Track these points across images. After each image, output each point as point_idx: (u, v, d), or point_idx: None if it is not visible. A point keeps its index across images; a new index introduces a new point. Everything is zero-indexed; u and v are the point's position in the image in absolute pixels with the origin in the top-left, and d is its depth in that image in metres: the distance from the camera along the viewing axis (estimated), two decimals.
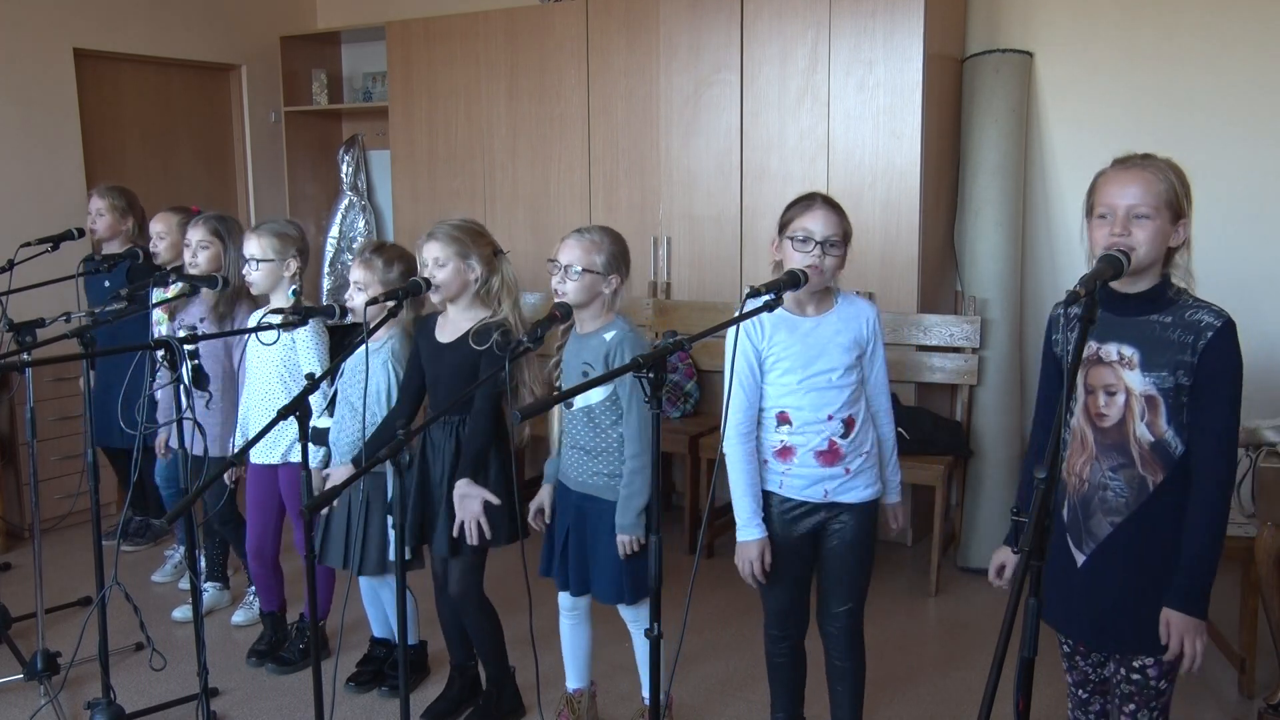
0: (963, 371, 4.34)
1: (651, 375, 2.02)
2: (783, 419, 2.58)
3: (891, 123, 4.31)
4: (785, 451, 2.59)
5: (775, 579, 2.63)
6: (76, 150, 5.36)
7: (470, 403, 2.93)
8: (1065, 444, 2.20)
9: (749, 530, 2.59)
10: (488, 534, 2.88)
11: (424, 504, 3.01)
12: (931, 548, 4.18)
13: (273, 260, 3.38)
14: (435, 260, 2.95)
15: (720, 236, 4.75)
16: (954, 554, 4.46)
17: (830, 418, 2.55)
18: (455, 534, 2.91)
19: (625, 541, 2.73)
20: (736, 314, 2.25)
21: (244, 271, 3.41)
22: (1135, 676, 2.15)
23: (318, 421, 3.27)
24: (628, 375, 2.12)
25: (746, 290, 2.32)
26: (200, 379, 3.49)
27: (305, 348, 3.38)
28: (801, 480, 2.59)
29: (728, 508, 4.79)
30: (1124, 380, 2.09)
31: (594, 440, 2.81)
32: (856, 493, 2.60)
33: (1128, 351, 2.08)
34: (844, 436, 2.56)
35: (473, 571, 3.02)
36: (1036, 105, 4.58)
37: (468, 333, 2.96)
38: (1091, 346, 2.12)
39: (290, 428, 3.32)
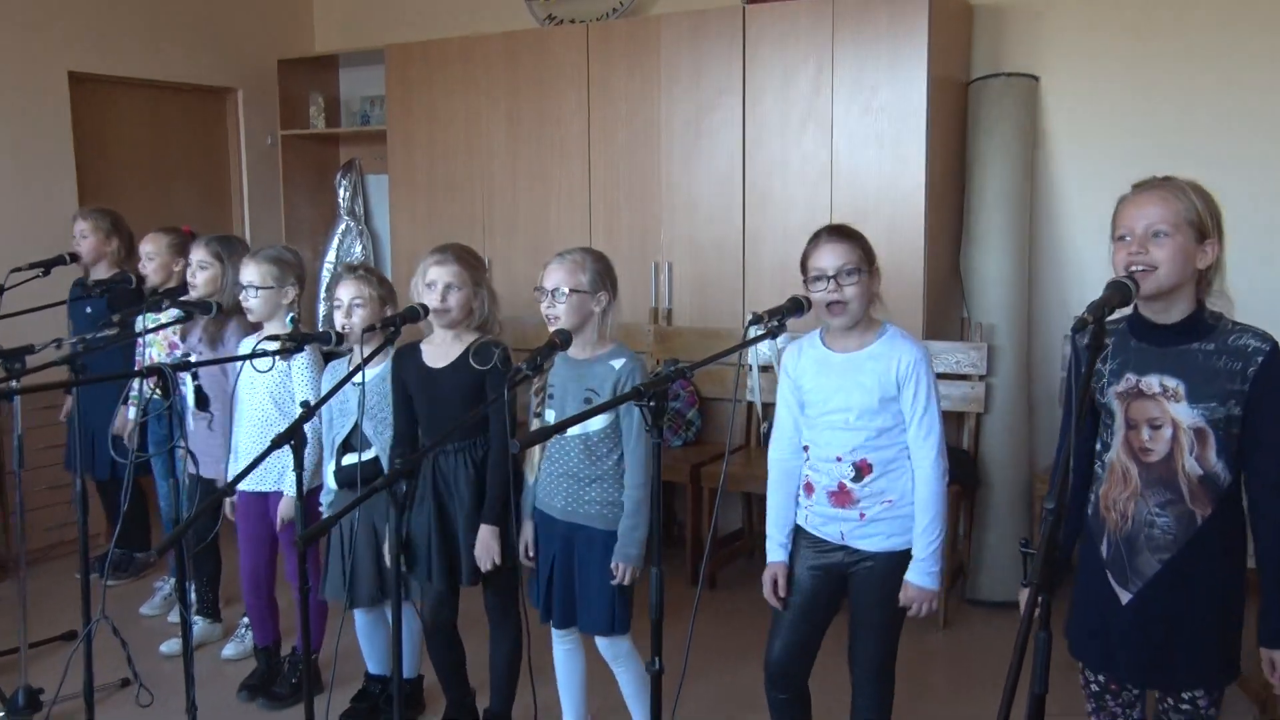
0: (970, 399, 4.33)
1: (653, 403, 2.01)
2: (806, 451, 2.60)
3: (896, 147, 4.32)
4: (808, 486, 2.60)
5: (787, 609, 2.61)
6: (70, 174, 5.36)
7: (477, 427, 2.93)
8: (1098, 478, 2.19)
9: (772, 552, 2.62)
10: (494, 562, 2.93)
11: (444, 536, 3.00)
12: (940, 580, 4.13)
13: (271, 288, 3.39)
14: (449, 285, 2.95)
15: (722, 262, 4.76)
16: (962, 586, 4.43)
17: (839, 459, 2.51)
18: (486, 567, 2.94)
19: (627, 571, 2.72)
20: (741, 340, 2.24)
21: (241, 298, 3.41)
22: (1185, 707, 2.15)
23: (349, 460, 3.18)
24: (630, 403, 2.11)
25: (749, 316, 2.32)
26: (202, 400, 3.49)
27: (300, 375, 3.37)
28: (819, 517, 2.58)
29: (731, 538, 4.87)
30: (1170, 413, 2.07)
31: (589, 468, 2.79)
32: (877, 541, 2.53)
33: (1171, 383, 2.06)
34: (856, 480, 2.51)
35: (511, 597, 3.02)
36: (1043, 129, 4.58)
37: (465, 354, 2.95)
38: (1130, 379, 2.11)
39: (286, 455, 3.28)
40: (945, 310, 4.56)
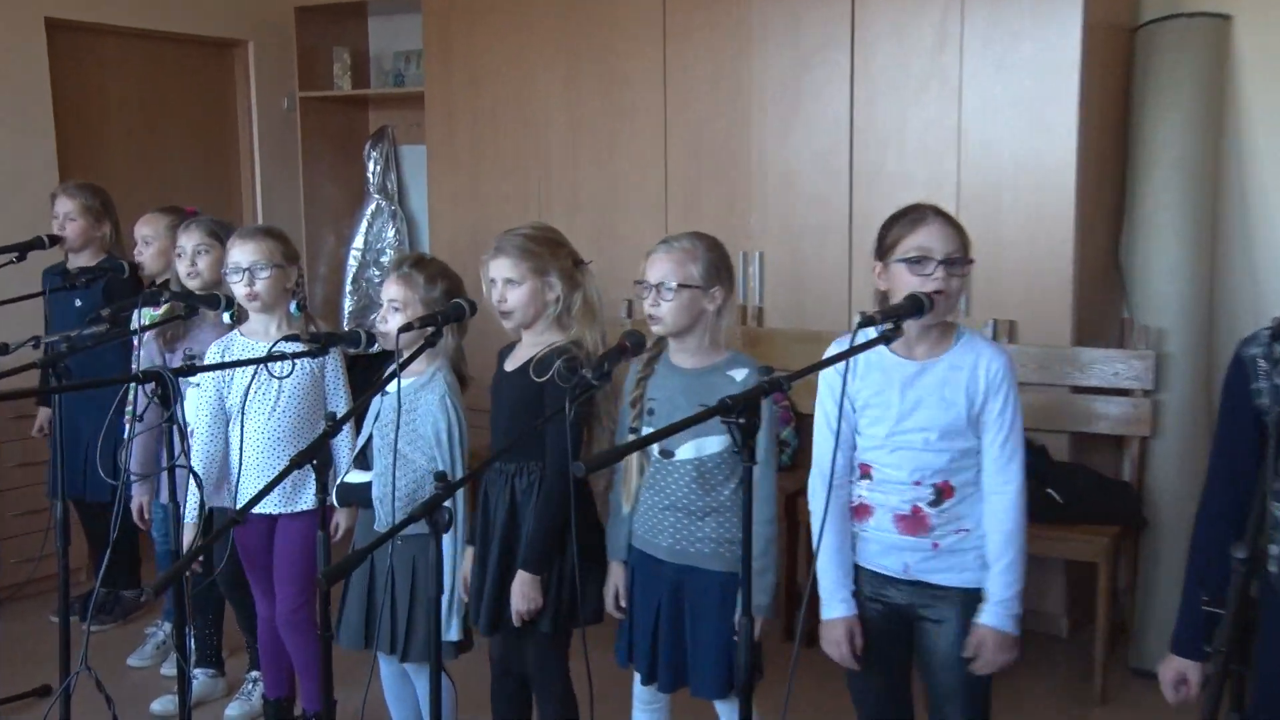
0: (1132, 419, 4.26)
1: (742, 420, 1.99)
2: (864, 471, 2.62)
3: (1040, 111, 4.26)
4: (862, 510, 2.62)
5: (865, 665, 2.63)
6: (49, 142, 5.42)
7: (533, 449, 2.94)
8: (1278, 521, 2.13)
9: (831, 606, 2.61)
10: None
11: (482, 571, 3.04)
12: (1095, 642, 4.08)
13: (280, 266, 3.43)
14: (507, 280, 2.99)
15: (824, 252, 4.74)
16: (1125, 651, 4.35)
17: (918, 482, 2.55)
18: (517, 622, 2.95)
19: (758, 625, 2.69)
20: (848, 345, 2.25)
21: (237, 285, 3.44)
22: None
23: (350, 476, 3.26)
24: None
25: (857, 318, 2.35)
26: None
27: (335, 379, 3.45)
28: (877, 546, 2.61)
29: None
30: None
31: (702, 499, 2.80)
32: (951, 575, 2.56)
33: None
34: (934, 504, 2.55)
35: (559, 655, 3.02)
36: (1235, 84, 4.48)
37: (530, 361, 2.98)
38: None
39: (299, 474, 3.35)
40: (1101, 310, 4.50)
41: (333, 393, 3.48)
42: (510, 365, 3.07)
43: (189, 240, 3.80)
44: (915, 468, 2.54)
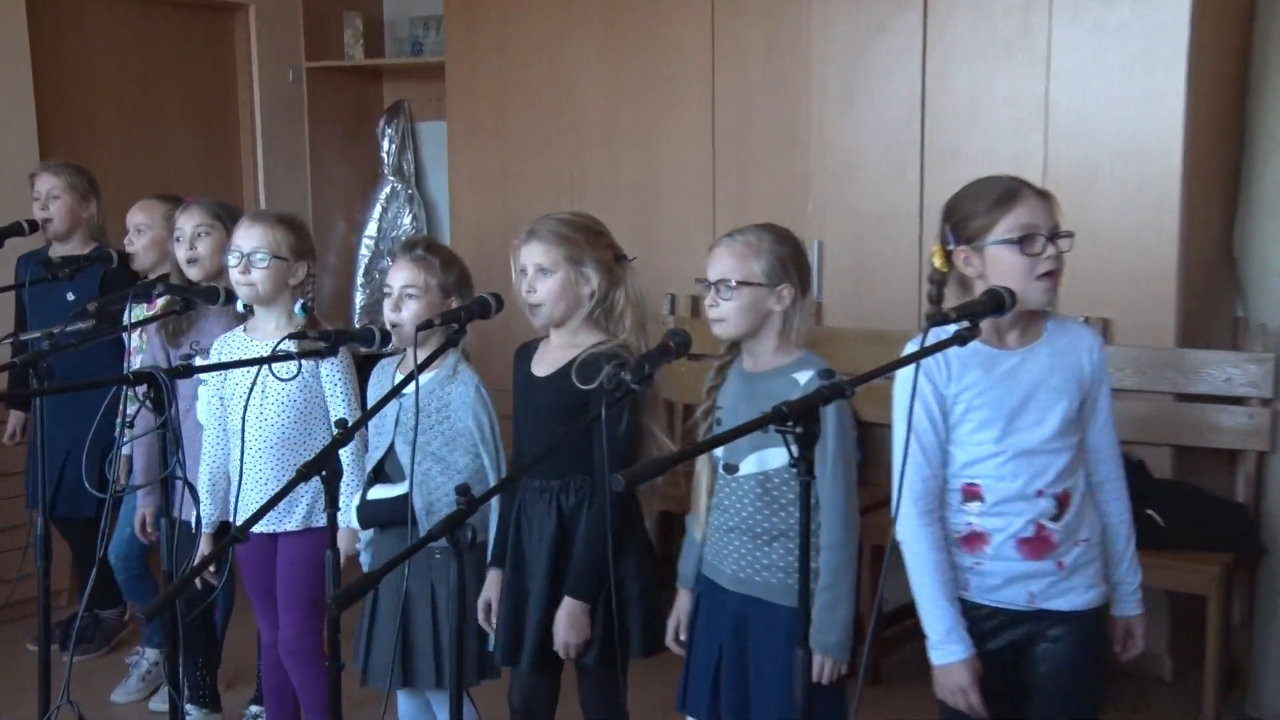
0: (1248, 432, 4.17)
1: (801, 429, 1.98)
2: (970, 493, 2.57)
3: (1142, 80, 4.19)
4: (974, 539, 2.58)
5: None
6: (28, 121, 5.40)
7: (576, 462, 2.94)
8: None
9: (948, 648, 2.55)
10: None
11: (515, 598, 3.03)
12: (1204, 685, 3.99)
13: (284, 260, 3.40)
14: (538, 268, 2.99)
15: (891, 241, 4.70)
16: (1238, 698, 4.26)
17: (1040, 493, 2.54)
18: (565, 655, 2.97)
19: (826, 666, 2.71)
20: (917, 347, 2.25)
21: (234, 271, 3.42)
22: None
23: (374, 493, 3.23)
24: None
25: (928, 314, 2.40)
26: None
27: (332, 384, 3.41)
28: (997, 579, 2.56)
29: (900, 614, 4.70)
30: None
31: (768, 520, 2.77)
32: (1074, 596, 2.56)
33: None
34: (1056, 519, 2.54)
35: (611, 690, 3.00)
36: None
37: (570, 364, 2.97)
38: None
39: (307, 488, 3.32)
40: (1210, 307, 4.42)
41: (334, 396, 3.44)
42: (541, 369, 3.06)
43: (188, 221, 3.78)
44: (1034, 475, 2.52)
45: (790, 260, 2.80)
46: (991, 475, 2.54)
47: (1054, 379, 2.53)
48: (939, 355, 2.52)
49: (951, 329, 2.29)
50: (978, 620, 2.58)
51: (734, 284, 2.74)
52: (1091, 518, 2.61)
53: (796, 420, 1.96)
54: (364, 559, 3.40)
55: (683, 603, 2.95)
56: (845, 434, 2.75)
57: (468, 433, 3.15)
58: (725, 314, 2.76)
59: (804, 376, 2.74)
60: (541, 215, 3.07)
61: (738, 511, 2.81)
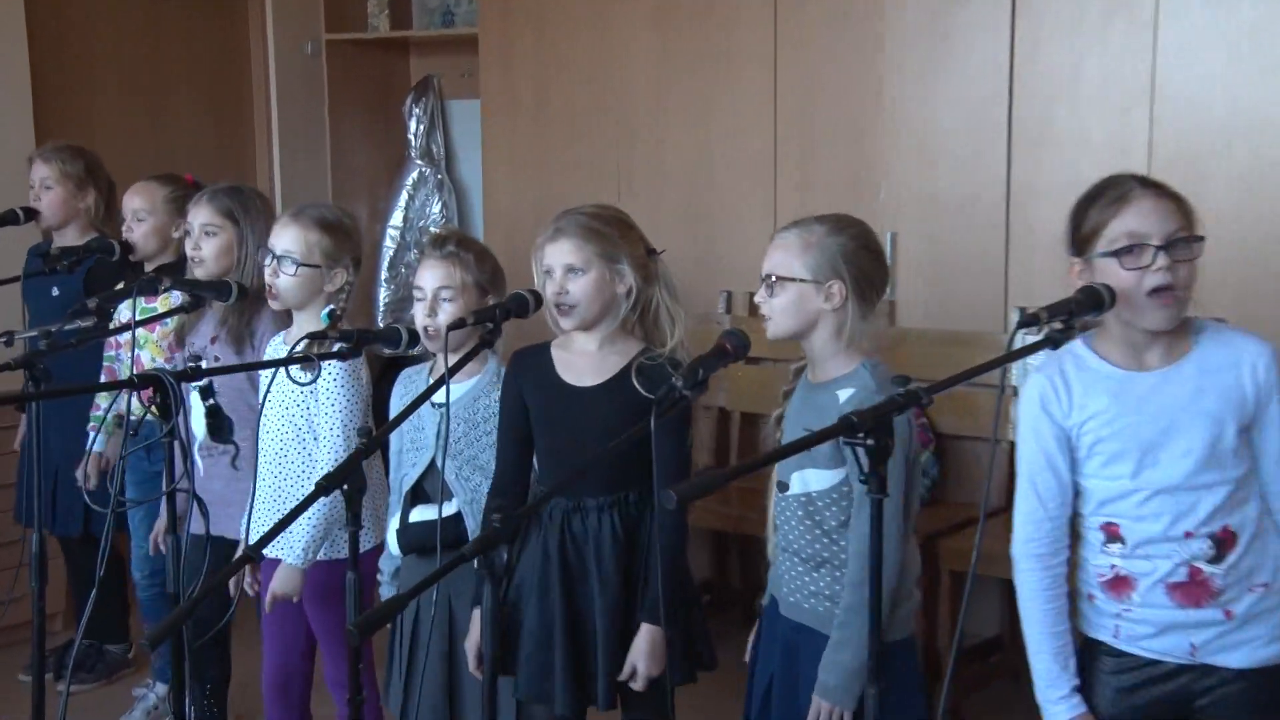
0: None
1: (871, 442, 1.99)
2: (1111, 534, 2.55)
3: (1262, 50, 4.13)
4: (1119, 584, 2.55)
5: None
6: (23, 97, 5.45)
7: (631, 477, 2.96)
8: None
9: (1056, 708, 2.56)
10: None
11: (575, 633, 3.02)
12: None
13: (316, 267, 3.42)
14: (568, 268, 3.00)
15: (974, 233, 4.68)
16: None
17: (1189, 535, 2.47)
18: (641, 686, 2.99)
19: (821, 711, 2.71)
20: (1004, 351, 2.29)
21: (267, 272, 3.46)
22: None
23: (417, 515, 3.23)
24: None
25: (1017, 314, 2.37)
26: (221, 426, 3.50)
27: (330, 392, 3.36)
28: (1148, 628, 2.52)
29: (984, 649, 4.67)
30: None
31: (813, 545, 2.80)
32: (1250, 651, 2.48)
33: None
34: (1215, 561, 2.47)
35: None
36: None
37: (622, 373, 3.00)
38: None
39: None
40: None
41: (326, 404, 3.38)
42: (581, 378, 3.07)
43: (196, 217, 3.79)
44: (1179, 515, 2.46)
45: (847, 255, 2.78)
46: (1130, 515, 2.51)
47: (1203, 402, 2.46)
48: (1058, 382, 2.53)
49: (1043, 332, 2.29)
50: (1129, 671, 2.55)
51: (775, 280, 2.78)
52: (1275, 558, 2.52)
53: (867, 431, 1.96)
54: (385, 591, 3.43)
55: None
56: (906, 449, 2.74)
57: (475, 457, 3.18)
58: (773, 311, 2.78)
59: (845, 393, 2.75)
60: (562, 211, 3.09)
61: (788, 532, 2.86)
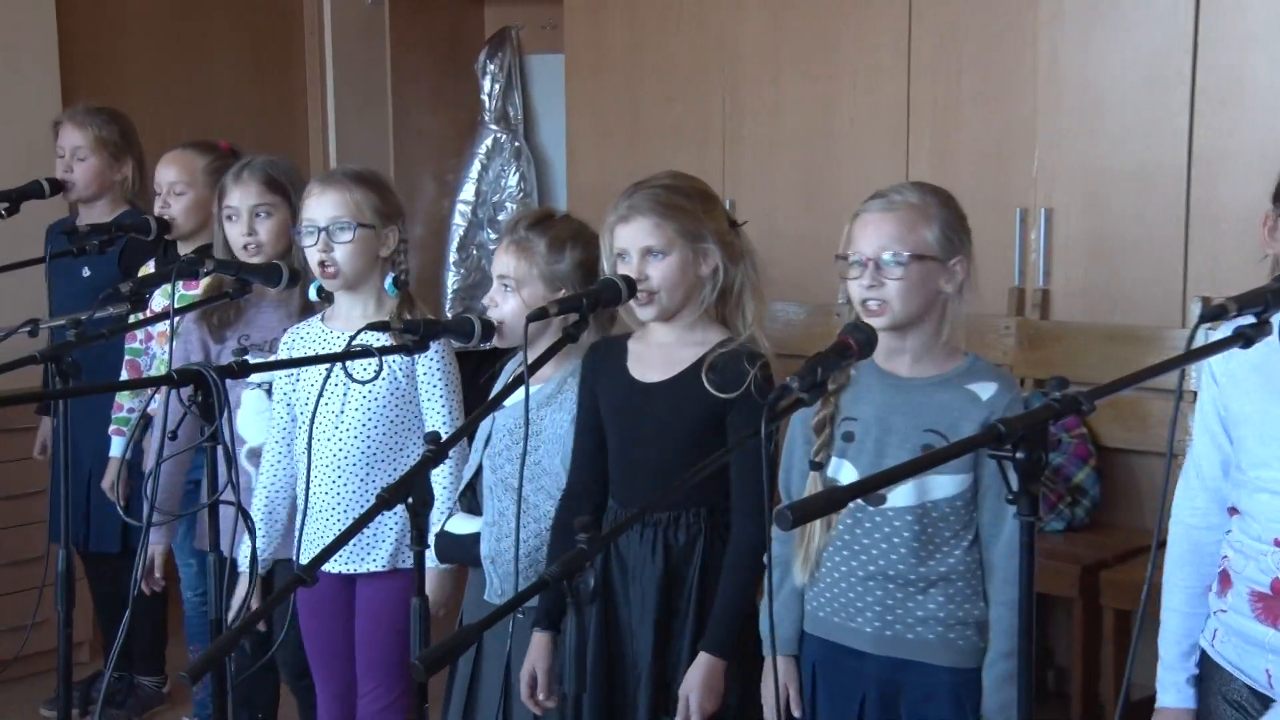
0: None
1: (1023, 455, 1.98)
2: (1234, 520, 2.62)
3: None
4: (1223, 579, 2.61)
5: None
6: (50, 52, 5.56)
7: (695, 490, 2.91)
8: None
9: (1166, 692, 2.67)
10: None
11: (613, 656, 3.09)
12: None
13: (371, 227, 3.46)
14: (646, 251, 3.03)
15: (1148, 209, 4.65)
16: None
17: (1277, 542, 2.48)
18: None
19: None
20: (1183, 349, 2.24)
21: (309, 251, 3.49)
22: None
23: (454, 524, 3.31)
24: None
25: (1198, 307, 2.42)
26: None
27: (431, 386, 3.44)
28: (1236, 638, 2.56)
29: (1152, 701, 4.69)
30: None
31: (923, 564, 2.80)
32: None
33: None
34: None
35: None
36: None
37: (693, 367, 3.02)
38: None
39: (388, 521, 3.40)
40: None
41: (431, 402, 3.48)
42: (649, 373, 3.12)
43: (244, 198, 3.84)
44: (1273, 518, 2.48)
45: (959, 227, 2.83)
46: (1241, 504, 2.57)
47: None
48: (1227, 356, 2.45)
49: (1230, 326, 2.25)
50: (1212, 676, 2.62)
51: (905, 258, 2.73)
52: None
53: (1019, 442, 1.95)
54: None
55: (788, 672, 2.95)
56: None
57: (555, 475, 3.21)
58: (892, 297, 2.73)
59: (986, 390, 2.78)
60: (634, 185, 3.11)
61: (883, 554, 2.81)
